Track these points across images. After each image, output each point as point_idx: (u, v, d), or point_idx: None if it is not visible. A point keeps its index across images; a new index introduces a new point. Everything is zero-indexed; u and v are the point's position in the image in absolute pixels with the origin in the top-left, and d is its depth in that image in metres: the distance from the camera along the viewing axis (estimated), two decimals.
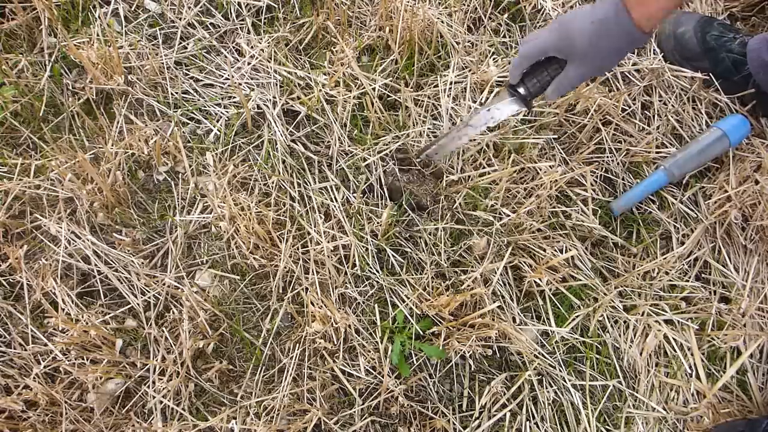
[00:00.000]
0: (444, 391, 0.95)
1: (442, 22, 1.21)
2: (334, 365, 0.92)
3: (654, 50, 1.26)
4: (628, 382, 1.00)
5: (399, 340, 0.94)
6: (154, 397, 0.90)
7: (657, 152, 1.16)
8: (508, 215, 1.04)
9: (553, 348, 0.99)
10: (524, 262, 1.03)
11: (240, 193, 1.02)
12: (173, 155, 1.06)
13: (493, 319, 0.96)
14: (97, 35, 1.12)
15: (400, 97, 1.14)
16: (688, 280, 1.07)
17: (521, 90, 0.89)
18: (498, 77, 1.18)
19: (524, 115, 1.16)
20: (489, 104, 0.95)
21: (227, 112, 1.11)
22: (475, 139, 1.08)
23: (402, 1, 1.14)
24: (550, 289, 1.01)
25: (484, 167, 1.10)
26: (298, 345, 0.95)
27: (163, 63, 1.13)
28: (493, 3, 1.28)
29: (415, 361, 0.95)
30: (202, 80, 1.15)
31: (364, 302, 0.98)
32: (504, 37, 1.26)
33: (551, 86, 0.85)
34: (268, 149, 1.07)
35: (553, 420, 0.95)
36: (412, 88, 1.17)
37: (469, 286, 0.98)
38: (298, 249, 1.00)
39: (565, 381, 0.97)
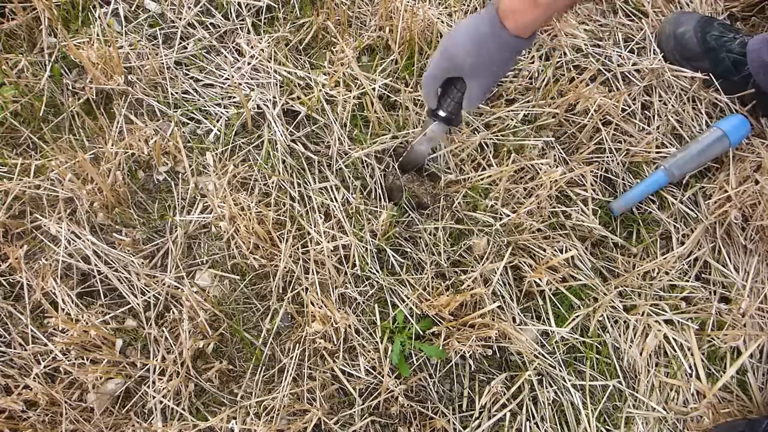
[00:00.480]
0: (444, 391, 0.95)
1: (442, 22, 1.21)
2: (334, 365, 0.92)
3: (654, 50, 1.26)
4: (628, 382, 1.00)
5: (399, 340, 0.94)
6: (154, 397, 0.90)
7: (657, 152, 1.16)
8: (508, 215, 1.04)
9: (553, 348, 0.99)
10: (524, 262, 1.03)
11: (240, 193, 1.02)
12: (173, 155, 1.06)
13: (493, 319, 0.96)
14: (97, 35, 1.12)
15: (399, 98, 1.14)
16: (688, 280, 1.07)
17: (441, 113, 0.95)
18: None
19: (524, 116, 1.16)
20: (423, 130, 1.03)
21: (227, 112, 1.11)
22: (433, 153, 1.11)
23: (402, 1, 1.14)
24: (550, 289, 1.01)
25: (484, 168, 1.10)
26: (298, 345, 0.95)
27: (163, 63, 1.13)
28: None
29: (415, 361, 0.95)
30: (202, 80, 1.15)
31: (364, 302, 0.98)
32: None
33: (465, 102, 0.89)
34: (268, 149, 1.07)
35: (553, 420, 0.95)
36: (412, 88, 1.17)
37: (469, 286, 0.98)
38: (298, 249, 1.00)
39: (565, 381, 0.97)
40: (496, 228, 1.04)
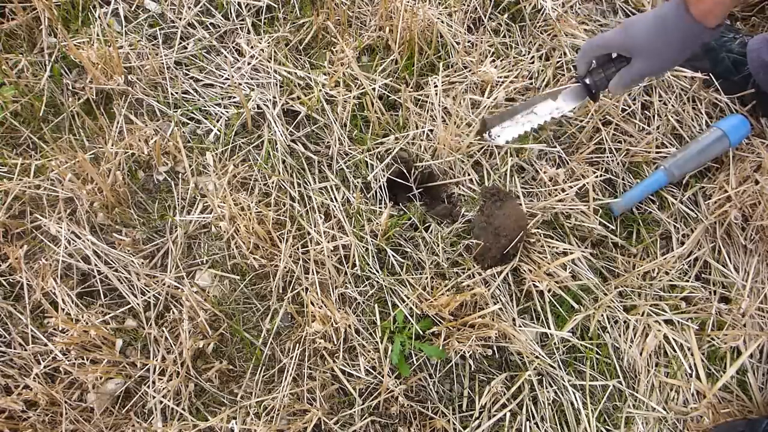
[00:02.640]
0: (444, 391, 0.95)
1: (442, 22, 1.21)
2: (334, 365, 0.92)
3: None
4: (628, 382, 1.00)
5: (399, 340, 0.94)
6: (154, 397, 0.90)
7: (657, 152, 1.16)
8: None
9: (553, 348, 0.99)
10: (524, 263, 1.03)
11: (240, 193, 1.02)
12: (173, 155, 1.06)
13: (493, 320, 0.96)
14: (97, 35, 1.12)
15: (400, 98, 1.14)
16: (688, 280, 1.07)
17: (587, 81, 0.92)
18: (497, 77, 1.18)
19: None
20: (555, 94, 0.95)
21: (227, 112, 1.11)
22: (538, 128, 1.02)
23: (402, 1, 1.14)
24: (549, 290, 1.01)
25: (488, 170, 1.10)
26: (298, 345, 0.95)
27: (163, 63, 1.13)
28: (493, 3, 1.28)
29: (415, 361, 0.95)
30: (202, 80, 1.15)
31: (364, 302, 0.98)
32: (504, 37, 1.26)
33: (615, 78, 0.87)
34: (268, 149, 1.07)
35: (553, 420, 0.95)
36: (412, 88, 1.17)
37: (469, 286, 0.98)
38: (298, 249, 1.00)
39: (564, 381, 0.97)
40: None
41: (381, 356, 0.93)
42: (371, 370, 0.93)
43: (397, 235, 1.03)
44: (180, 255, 0.99)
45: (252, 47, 1.17)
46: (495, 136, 0.96)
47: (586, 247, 1.07)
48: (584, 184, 1.10)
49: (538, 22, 1.28)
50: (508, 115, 0.96)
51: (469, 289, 0.97)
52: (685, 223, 1.12)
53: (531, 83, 1.20)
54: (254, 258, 0.97)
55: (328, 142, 1.10)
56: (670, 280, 1.06)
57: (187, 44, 1.17)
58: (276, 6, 1.22)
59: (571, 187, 1.10)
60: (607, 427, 0.97)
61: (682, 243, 1.10)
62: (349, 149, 1.09)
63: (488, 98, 1.16)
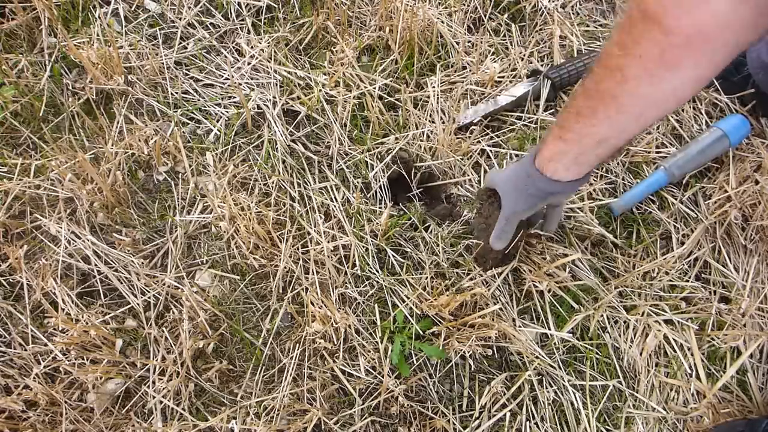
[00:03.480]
0: (444, 391, 0.95)
1: (442, 22, 1.21)
2: (334, 365, 0.92)
3: None
4: (628, 382, 1.00)
5: (399, 340, 0.94)
6: (154, 397, 0.90)
7: (657, 152, 1.16)
8: None
9: (553, 348, 0.99)
10: (524, 263, 1.03)
11: (240, 193, 1.02)
12: (173, 155, 1.06)
13: (493, 320, 0.96)
14: (97, 35, 1.12)
15: (399, 99, 1.14)
16: (688, 280, 1.07)
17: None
18: (498, 77, 1.18)
19: (521, 111, 1.16)
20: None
21: (227, 112, 1.11)
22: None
23: (402, 1, 1.14)
24: (549, 290, 1.01)
25: (485, 170, 1.10)
26: (298, 345, 0.95)
27: (163, 63, 1.13)
28: (493, 3, 1.28)
29: (415, 361, 0.95)
30: (202, 80, 1.15)
31: (364, 302, 0.98)
32: (504, 37, 1.26)
33: (496, 232, 0.91)
34: (268, 149, 1.07)
35: (553, 420, 0.95)
36: (412, 88, 1.17)
37: (469, 286, 0.98)
38: (298, 249, 1.00)
39: (564, 381, 0.97)
40: None
41: (381, 356, 0.93)
42: (371, 370, 0.93)
43: (397, 235, 1.03)
44: (180, 255, 0.99)
45: (252, 47, 1.17)
46: (463, 118, 1.13)
47: (586, 248, 1.07)
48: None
49: (538, 23, 1.28)
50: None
51: (469, 290, 0.97)
52: (685, 223, 1.12)
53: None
54: (254, 258, 0.97)
55: (328, 142, 1.10)
56: (670, 280, 1.06)
57: (187, 44, 1.17)
58: (276, 6, 1.22)
59: None
60: (607, 427, 0.97)
61: (682, 243, 1.10)
62: (349, 149, 1.09)
63: (487, 96, 1.16)
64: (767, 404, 1.00)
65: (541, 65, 1.22)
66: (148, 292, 0.96)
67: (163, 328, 0.94)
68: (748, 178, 1.12)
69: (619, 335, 1.02)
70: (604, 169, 1.15)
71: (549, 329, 0.99)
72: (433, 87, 1.15)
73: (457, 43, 1.22)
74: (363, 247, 1.00)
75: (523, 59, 1.22)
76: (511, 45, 1.25)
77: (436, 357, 0.95)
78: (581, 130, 0.69)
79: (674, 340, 1.01)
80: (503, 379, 0.96)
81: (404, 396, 0.92)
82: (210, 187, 1.03)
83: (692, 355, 1.01)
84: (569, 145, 0.72)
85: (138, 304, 0.95)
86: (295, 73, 1.15)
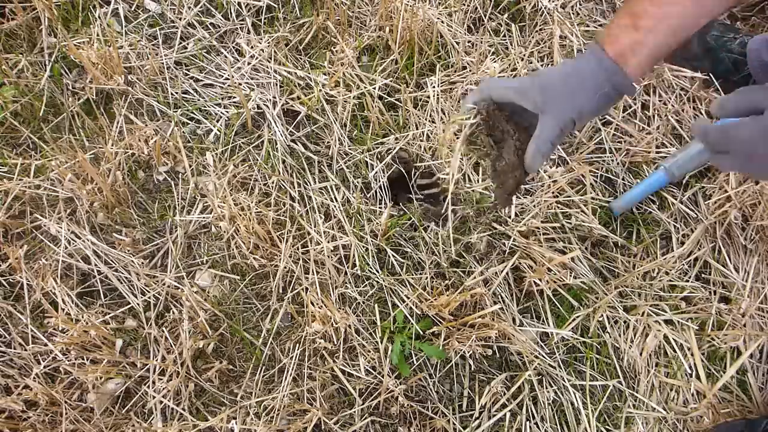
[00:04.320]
0: (444, 391, 0.95)
1: (442, 22, 1.21)
2: (334, 365, 0.92)
3: None
4: (628, 382, 1.00)
5: (399, 340, 0.94)
6: (154, 397, 0.90)
7: (657, 152, 1.16)
8: (509, 216, 1.04)
9: (553, 348, 0.99)
10: (524, 263, 1.03)
11: (240, 193, 1.02)
12: (173, 155, 1.06)
13: (493, 320, 0.96)
14: (97, 35, 1.12)
15: (400, 98, 1.14)
16: (688, 280, 1.07)
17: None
18: (498, 77, 1.18)
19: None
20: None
21: (227, 112, 1.11)
22: None
23: (402, 1, 1.14)
24: (550, 288, 1.01)
25: (485, 169, 1.10)
26: (298, 345, 0.95)
27: (163, 63, 1.13)
28: (493, 3, 1.28)
29: (415, 361, 0.95)
30: (202, 80, 1.15)
31: (364, 302, 0.98)
32: (504, 37, 1.26)
33: (530, 150, 0.69)
34: (268, 149, 1.07)
35: (553, 420, 0.95)
36: (412, 88, 1.17)
37: (469, 286, 0.98)
38: (298, 249, 1.00)
39: (565, 381, 0.97)
40: (498, 231, 1.04)
41: (381, 356, 0.93)
42: (371, 370, 0.93)
43: (397, 235, 1.03)
44: (180, 255, 0.99)
45: (252, 47, 1.17)
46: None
47: (586, 248, 1.07)
48: (584, 184, 1.10)
49: (538, 23, 1.28)
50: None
51: (469, 289, 0.97)
52: (685, 223, 1.12)
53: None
54: (254, 258, 0.97)
55: (328, 142, 1.10)
56: (670, 280, 1.06)
57: (187, 44, 1.17)
58: (276, 6, 1.22)
59: (572, 187, 1.10)
60: (607, 427, 0.97)
61: (682, 243, 1.10)
62: (349, 149, 1.09)
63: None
64: (767, 404, 1.00)
65: (541, 65, 1.22)
66: (148, 292, 0.96)
67: (163, 328, 0.94)
68: (748, 178, 1.12)
69: (619, 335, 1.02)
70: (604, 169, 1.15)
71: (549, 327, 0.99)
72: (433, 87, 1.15)
73: (457, 43, 1.22)
74: (363, 247, 1.00)
75: (523, 59, 1.22)
76: (511, 45, 1.25)
77: (436, 357, 0.95)
78: (656, 13, 0.63)
79: (674, 340, 1.01)
80: (503, 379, 0.96)
81: (404, 396, 0.92)
82: (210, 187, 1.03)
83: (692, 355, 1.00)
84: (644, 35, 0.64)
85: (138, 304, 0.95)
86: (295, 73, 1.14)
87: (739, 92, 0.63)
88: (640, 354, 1.01)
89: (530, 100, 0.69)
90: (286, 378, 0.92)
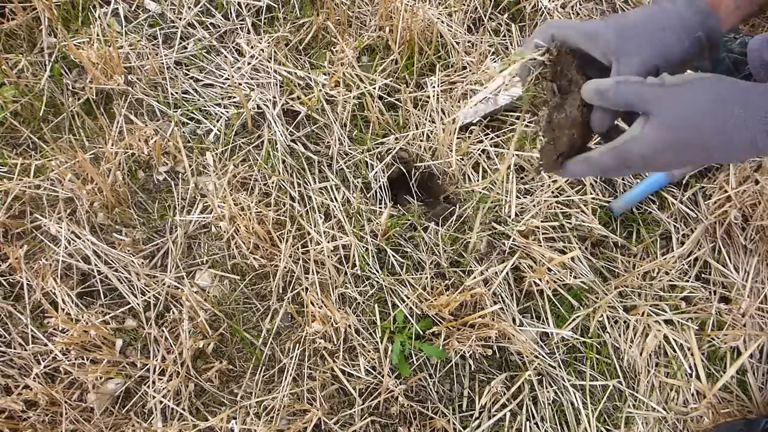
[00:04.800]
0: (444, 391, 0.95)
1: (442, 22, 1.21)
2: (334, 365, 0.92)
3: None
4: (628, 382, 1.00)
5: (399, 340, 0.94)
6: (154, 397, 0.90)
7: None
8: (509, 216, 1.04)
9: (553, 348, 0.99)
10: (524, 263, 1.03)
11: (240, 193, 1.02)
12: (173, 155, 1.06)
13: (493, 320, 0.96)
14: (97, 35, 1.12)
15: (400, 98, 1.14)
16: (688, 280, 1.07)
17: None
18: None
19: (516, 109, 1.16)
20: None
21: (227, 112, 1.11)
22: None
23: (402, 1, 1.14)
24: (550, 288, 1.01)
25: (486, 170, 1.10)
26: (298, 345, 0.95)
27: (163, 63, 1.13)
28: (493, 3, 1.28)
29: (415, 361, 0.95)
30: (202, 80, 1.15)
31: (364, 302, 0.98)
32: (504, 37, 1.26)
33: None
34: (268, 149, 1.07)
35: (553, 420, 0.95)
36: (412, 88, 1.17)
37: (469, 285, 0.98)
38: (298, 249, 1.00)
39: (565, 381, 0.97)
40: (498, 230, 1.04)
41: (381, 356, 0.93)
42: (371, 370, 0.93)
43: (397, 235, 1.03)
44: (180, 255, 0.99)
45: (252, 47, 1.17)
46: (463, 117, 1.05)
47: (586, 248, 1.07)
48: (584, 184, 1.10)
49: (538, 23, 1.28)
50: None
51: (469, 289, 0.97)
52: (685, 223, 1.12)
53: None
54: (254, 258, 0.97)
55: (328, 142, 1.10)
56: (670, 280, 1.06)
57: (187, 44, 1.17)
58: (276, 6, 1.22)
59: (572, 187, 1.10)
60: (607, 427, 0.97)
61: (682, 243, 1.10)
62: (349, 149, 1.09)
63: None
64: (767, 404, 1.00)
65: None
66: (148, 292, 0.96)
67: (163, 328, 0.94)
68: (748, 178, 1.12)
69: (619, 335, 1.02)
70: None
71: (549, 327, 0.99)
72: (433, 87, 1.15)
73: (457, 43, 1.22)
74: (363, 247, 1.00)
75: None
76: (511, 45, 1.25)
77: (436, 357, 0.95)
78: None
79: (674, 340, 1.01)
80: (503, 379, 0.96)
81: (404, 396, 0.92)
82: (210, 187, 1.03)
83: (692, 355, 1.00)
84: None
85: (138, 304, 0.95)
86: (295, 73, 1.15)
87: (619, 83, 0.53)
88: (640, 354, 1.01)
89: (600, 45, 0.55)
90: (286, 378, 0.92)
